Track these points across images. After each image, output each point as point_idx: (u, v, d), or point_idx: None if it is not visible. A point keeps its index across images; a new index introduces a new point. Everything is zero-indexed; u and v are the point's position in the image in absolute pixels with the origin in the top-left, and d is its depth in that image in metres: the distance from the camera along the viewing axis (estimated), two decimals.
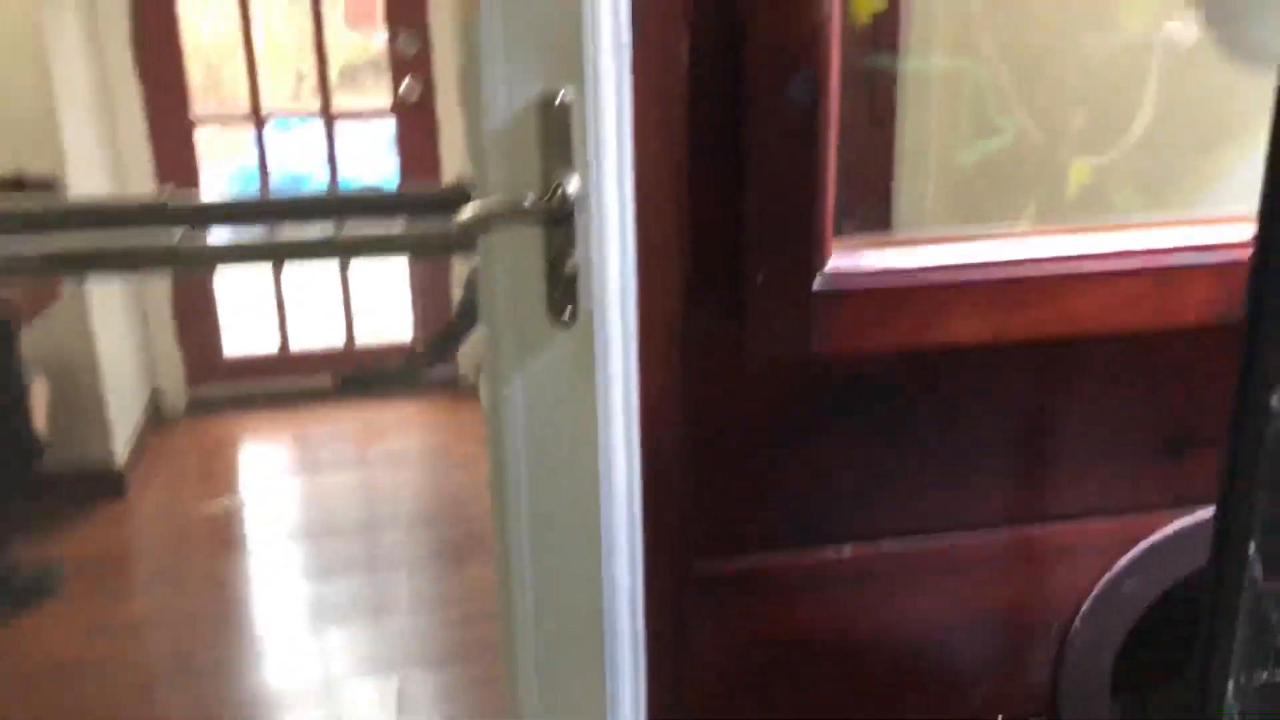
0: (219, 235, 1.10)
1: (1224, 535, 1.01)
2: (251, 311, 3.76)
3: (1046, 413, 1.21)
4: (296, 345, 3.71)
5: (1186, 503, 1.24)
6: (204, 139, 3.73)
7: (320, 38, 3.48)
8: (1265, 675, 1.01)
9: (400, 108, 3.57)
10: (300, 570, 2.81)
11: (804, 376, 1.15)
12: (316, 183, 4.52)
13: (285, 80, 5.35)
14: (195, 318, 3.54)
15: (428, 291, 3.69)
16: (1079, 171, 1.67)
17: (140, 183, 3.31)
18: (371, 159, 4.83)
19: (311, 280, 3.92)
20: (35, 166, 2.76)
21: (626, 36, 0.94)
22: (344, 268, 3.57)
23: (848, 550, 1.20)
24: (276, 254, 1.05)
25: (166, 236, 1.05)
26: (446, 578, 2.74)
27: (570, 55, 0.91)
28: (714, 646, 1.21)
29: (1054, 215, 1.65)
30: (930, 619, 1.25)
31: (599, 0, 0.91)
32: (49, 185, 2.73)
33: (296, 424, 3.53)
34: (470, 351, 3.50)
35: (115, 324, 3.19)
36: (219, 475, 3.26)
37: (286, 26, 5.00)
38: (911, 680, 1.28)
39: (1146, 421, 1.22)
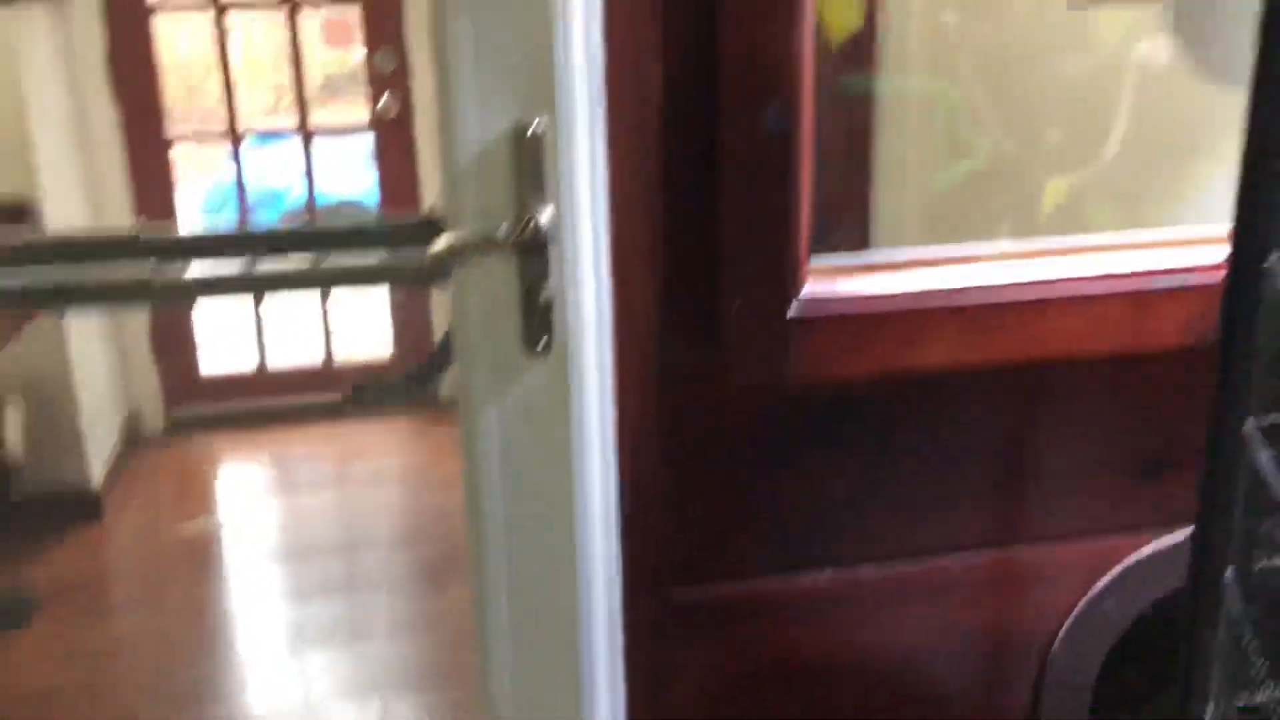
0: (195, 266, 1.09)
1: (1201, 561, 1.02)
2: (229, 331, 3.74)
3: (1024, 435, 1.21)
4: (274, 364, 3.69)
5: (1164, 523, 1.24)
6: (182, 155, 3.71)
7: (298, 55, 3.47)
8: (1244, 698, 1.01)
9: (379, 123, 3.56)
10: (280, 592, 2.78)
11: (781, 402, 1.14)
12: (295, 198, 4.52)
13: (265, 93, 5.34)
14: (172, 338, 3.52)
15: (407, 306, 3.68)
16: (1054, 189, 1.68)
17: (116, 203, 3.29)
18: (351, 173, 4.82)
19: (289, 299, 3.90)
20: (8, 189, 2.74)
21: (599, 66, 0.94)
22: (324, 297, 3.56)
23: (828, 575, 1.20)
24: (250, 286, 1.04)
25: (142, 269, 1.04)
26: (428, 599, 2.73)
27: (543, 86, 0.91)
28: (694, 674, 1.21)
29: (1030, 233, 1.65)
30: (911, 642, 1.25)
31: (571, 30, 0.91)
32: (22, 213, 2.71)
33: (275, 444, 3.51)
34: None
35: (91, 345, 3.16)
36: (197, 496, 3.24)
37: (265, 40, 4.99)
38: (894, 704, 1.28)
39: (1124, 443, 1.23)
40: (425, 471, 3.31)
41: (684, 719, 1.22)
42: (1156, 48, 1.61)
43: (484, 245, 0.93)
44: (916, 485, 1.20)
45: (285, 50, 3.49)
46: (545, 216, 0.92)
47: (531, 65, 0.91)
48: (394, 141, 3.57)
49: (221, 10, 3.40)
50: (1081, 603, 1.26)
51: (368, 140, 3.66)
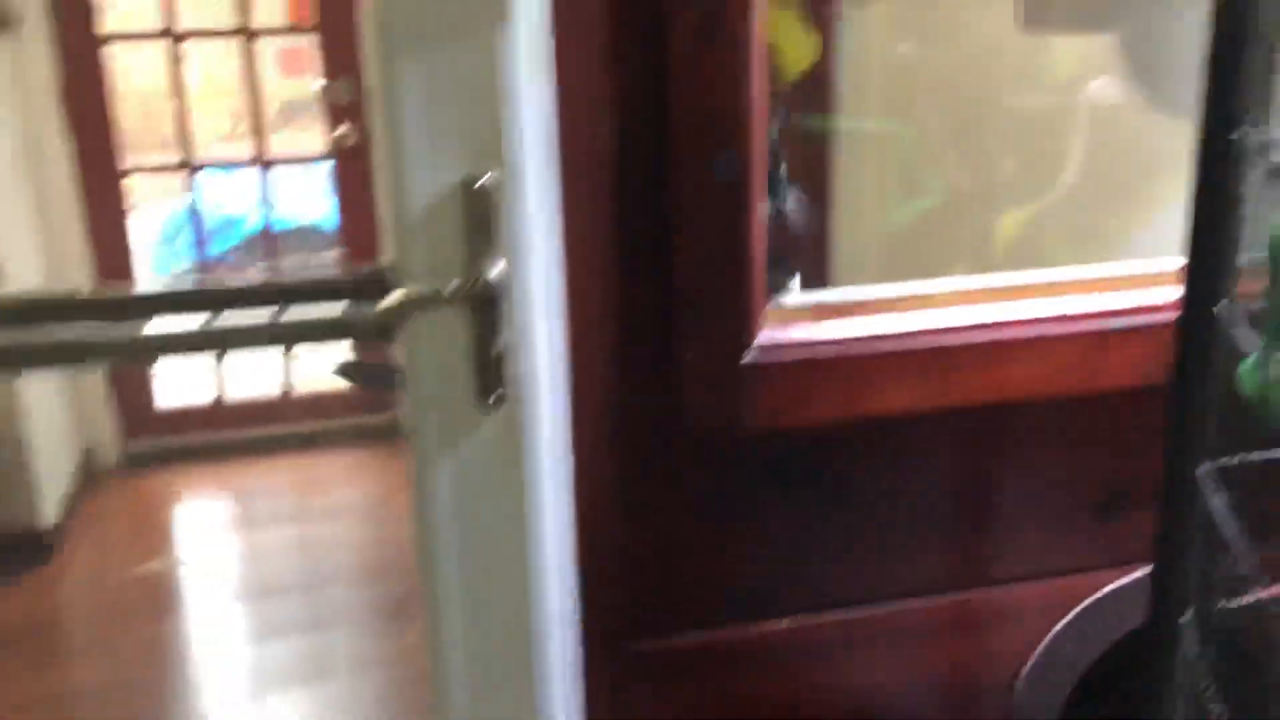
0: (153, 322, 1.06)
1: (1159, 607, 1.02)
2: (185, 363, 3.68)
3: (982, 478, 1.21)
4: (232, 395, 3.64)
5: (1123, 562, 1.24)
6: (138, 184, 3.66)
7: (255, 84, 3.44)
8: None
9: (338, 150, 3.54)
10: (242, 633, 2.73)
11: (738, 448, 1.13)
12: (252, 225, 4.47)
13: (223, 119, 5.30)
14: (126, 369, 3.46)
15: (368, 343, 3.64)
16: (1010, 224, 1.69)
17: (70, 237, 3.23)
18: (309, 199, 4.79)
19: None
20: None
21: (550, 118, 0.93)
22: (286, 350, 3.52)
23: (787, 623, 1.19)
24: (207, 343, 1.02)
25: (96, 329, 1.02)
26: (391, 636, 2.69)
27: (492, 139, 0.90)
28: None
29: (987, 266, 1.66)
30: (874, 687, 1.24)
31: (520, 83, 0.90)
32: None
33: (234, 477, 3.46)
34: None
35: (42, 380, 3.10)
36: (154, 534, 3.18)
37: (222, 67, 4.95)
38: None
39: (1081, 483, 1.23)
40: (386, 503, 3.27)
41: None
42: (1109, 81, 1.62)
43: (433, 301, 0.91)
44: (876, 530, 1.19)
45: (241, 79, 3.46)
46: (496, 271, 0.91)
47: (480, 119, 0.89)
48: (352, 168, 3.55)
49: (177, 39, 3.37)
50: (1043, 643, 1.26)
51: (326, 166, 3.63)
